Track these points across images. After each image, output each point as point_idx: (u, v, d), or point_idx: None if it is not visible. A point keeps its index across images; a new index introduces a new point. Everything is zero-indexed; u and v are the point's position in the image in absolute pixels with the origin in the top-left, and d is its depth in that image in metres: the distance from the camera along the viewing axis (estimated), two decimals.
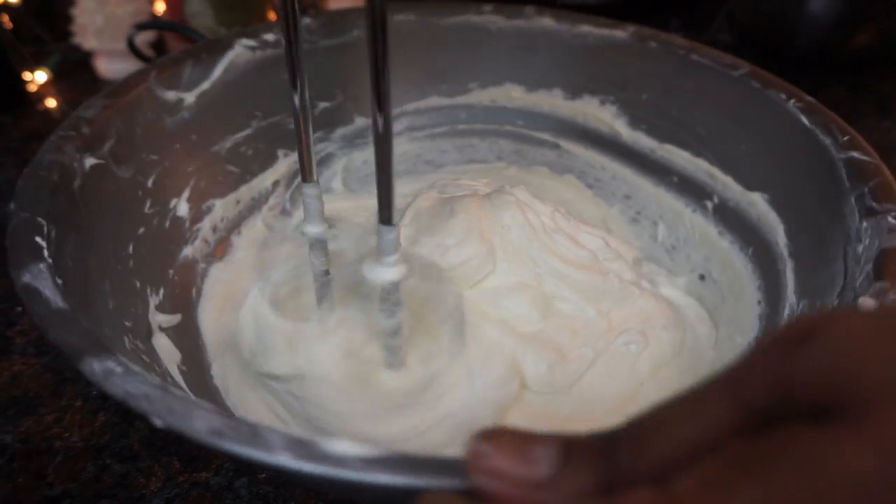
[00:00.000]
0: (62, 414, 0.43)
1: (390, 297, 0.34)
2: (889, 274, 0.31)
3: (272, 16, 0.70)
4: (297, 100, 0.34)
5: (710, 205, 0.49)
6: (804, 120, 0.41)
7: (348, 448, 0.22)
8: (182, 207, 0.45)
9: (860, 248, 0.34)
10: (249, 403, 0.40)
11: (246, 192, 0.50)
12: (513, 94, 0.55)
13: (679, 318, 0.44)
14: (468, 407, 0.36)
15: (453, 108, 0.56)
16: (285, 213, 0.53)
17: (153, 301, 0.41)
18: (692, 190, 0.50)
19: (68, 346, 0.27)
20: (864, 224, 0.35)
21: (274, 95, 0.49)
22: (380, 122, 0.28)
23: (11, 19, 0.69)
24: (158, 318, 0.40)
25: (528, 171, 0.56)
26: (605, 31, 0.50)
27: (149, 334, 0.39)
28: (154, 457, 0.41)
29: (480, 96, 0.56)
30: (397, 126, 0.56)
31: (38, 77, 0.70)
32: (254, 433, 0.23)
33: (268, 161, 0.51)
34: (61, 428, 0.42)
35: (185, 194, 0.46)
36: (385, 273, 0.33)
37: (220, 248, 0.48)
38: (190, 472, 0.40)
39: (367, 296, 0.36)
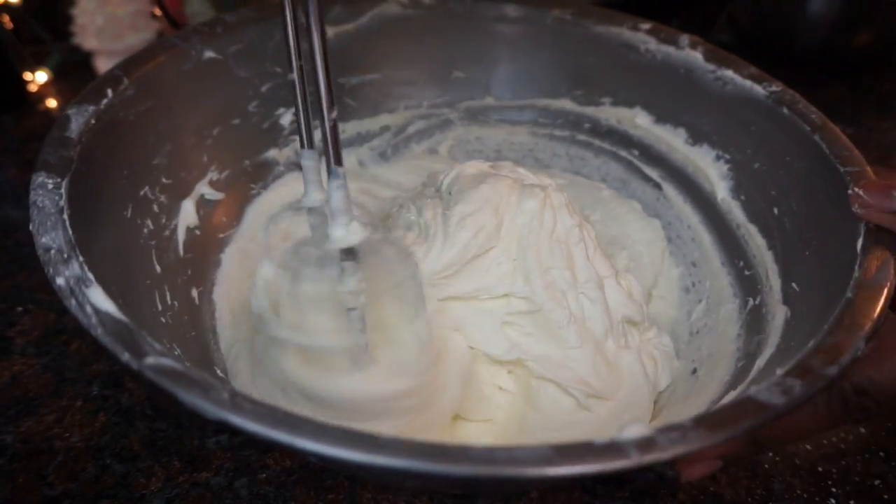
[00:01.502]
0: (62, 414, 0.43)
1: (347, 262, 0.34)
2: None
3: None
4: (295, 66, 0.34)
5: (750, 303, 0.45)
6: None
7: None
8: (286, 118, 0.51)
9: None
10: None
11: (354, 125, 0.56)
12: (638, 122, 0.54)
13: (600, 392, 0.40)
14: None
15: (580, 116, 0.56)
16: (384, 157, 0.57)
17: (211, 175, 0.47)
18: (747, 283, 0.46)
19: (46, 252, 0.30)
20: None
21: (411, 52, 0.54)
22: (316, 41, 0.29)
23: (12, 19, 0.69)
24: (204, 189, 0.47)
25: (621, 203, 0.55)
26: (747, 84, 0.46)
27: (182, 196, 0.45)
28: (154, 457, 0.41)
29: (608, 113, 0.55)
30: (522, 116, 0.58)
31: (38, 77, 0.70)
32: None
33: (386, 107, 0.56)
34: (61, 428, 0.42)
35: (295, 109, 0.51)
36: (337, 232, 0.33)
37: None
38: (190, 472, 0.40)
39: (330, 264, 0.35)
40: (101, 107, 0.38)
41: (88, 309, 0.28)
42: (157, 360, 0.26)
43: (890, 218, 0.34)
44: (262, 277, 0.38)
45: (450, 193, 0.44)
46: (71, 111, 0.37)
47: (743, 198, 0.47)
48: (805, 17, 0.72)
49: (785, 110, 0.44)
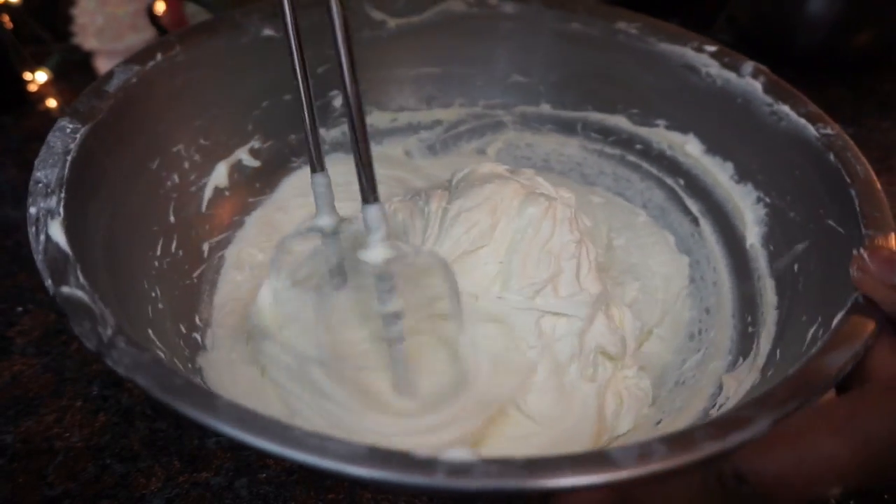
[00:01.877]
0: (62, 414, 0.43)
1: (385, 283, 0.34)
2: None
3: None
4: (302, 91, 0.35)
5: (739, 363, 0.42)
6: None
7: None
8: (338, 100, 0.52)
9: None
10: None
11: (407, 116, 0.56)
12: (688, 149, 0.52)
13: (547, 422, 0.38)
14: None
15: (633, 136, 0.55)
16: (432, 150, 0.57)
17: (253, 143, 0.49)
18: (746, 341, 0.43)
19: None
20: None
21: (472, 51, 0.55)
22: (350, 92, 0.31)
23: (12, 19, 0.69)
24: (243, 155, 0.49)
25: (653, 233, 0.53)
26: (801, 122, 0.43)
27: (218, 158, 0.47)
28: (154, 457, 0.41)
29: (661, 136, 0.53)
30: (575, 128, 0.56)
31: (38, 77, 0.70)
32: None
33: (441, 101, 0.57)
34: (61, 428, 0.42)
35: None
36: (373, 254, 0.33)
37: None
38: (190, 472, 0.40)
39: (366, 284, 0.35)
40: (147, 67, 0.41)
41: (42, 237, 0.30)
42: (71, 290, 0.28)
43: (885, 292, 0.31)
44: (266, 301, 0.38)
45: (456, 188, 0.44)
46: (117, 68, 0.40)
47: (771, 248, 0.45)
48: (805, 17, 0.72)
49: (832, 157, 0.40)
